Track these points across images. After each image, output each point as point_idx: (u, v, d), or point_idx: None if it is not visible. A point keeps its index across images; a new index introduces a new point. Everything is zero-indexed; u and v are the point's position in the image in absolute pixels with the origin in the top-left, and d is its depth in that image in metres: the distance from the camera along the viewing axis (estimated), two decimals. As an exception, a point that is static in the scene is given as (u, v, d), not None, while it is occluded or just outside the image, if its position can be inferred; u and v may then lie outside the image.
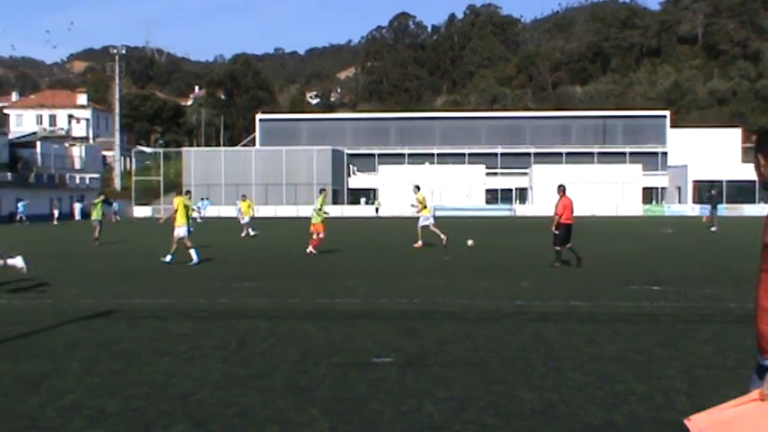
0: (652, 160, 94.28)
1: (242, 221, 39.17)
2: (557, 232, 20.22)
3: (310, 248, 25.10)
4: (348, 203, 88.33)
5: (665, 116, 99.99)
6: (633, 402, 6.98)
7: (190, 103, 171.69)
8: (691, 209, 78.06)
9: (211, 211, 76.38)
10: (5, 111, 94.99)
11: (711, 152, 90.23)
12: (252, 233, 37.31)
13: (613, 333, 10.50)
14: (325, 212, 26.04)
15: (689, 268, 19.87)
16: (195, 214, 68.22)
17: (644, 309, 12.76)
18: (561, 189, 20.83)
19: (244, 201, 40.46)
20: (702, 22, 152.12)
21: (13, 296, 14.94)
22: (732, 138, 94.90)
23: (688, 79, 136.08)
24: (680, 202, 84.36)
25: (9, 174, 73.99)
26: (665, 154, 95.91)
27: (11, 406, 6.99)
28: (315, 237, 25.34)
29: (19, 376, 8.13)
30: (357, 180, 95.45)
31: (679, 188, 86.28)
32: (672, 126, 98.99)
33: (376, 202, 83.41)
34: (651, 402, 6.98)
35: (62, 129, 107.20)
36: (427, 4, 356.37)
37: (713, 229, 41.15)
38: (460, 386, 7.56)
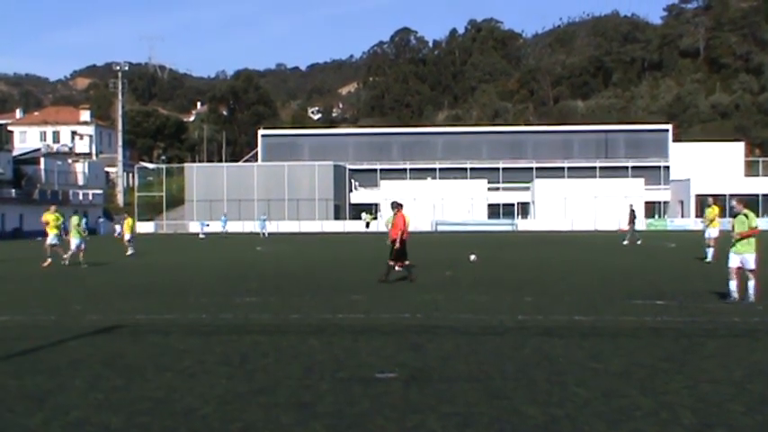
0: (654, 174, 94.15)
1: (125, 239, 37.19)
2: (398, 248, 20.19)
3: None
4: (350, 219, 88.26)
5: (667, 130, 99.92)
6: (638, 418, 6.95)
7: (192, 119, 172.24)
8: (693, 223, 77.90)
9: (214, 227, 76.42)
10: (9, 128, 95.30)
11: (714, 166, 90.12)
12: (129, 252, 35.84)
13: (617, 348, 10.48)
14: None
15: (692, 282, 19.84)
16: (220, 230, 69.16)
17: (647, 323, 12.73)
18: (397, 205, 20.82)
19: (126, 219, 39.37)
20: (704, 36, 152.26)
21: (17, 312, 14.94)
22: (735, 151, 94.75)
23: (690, 93, 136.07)
24: (683, 216, 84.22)
25: (13, 190, 74.17)
26: (667, 168, 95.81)
27: (16, 422, 6.99)
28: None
29: (23, 392, 8.12)
30: (359, 195, 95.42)
31: (682, 202, 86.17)
32: (674, 140, 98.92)
33: (367, 217, 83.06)
34: (656, 418, 6.95)
35: (65, 145, 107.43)
36: (428, 19, 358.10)
37: (625, 242, 41.90)
38: (464, 401, 7.55)
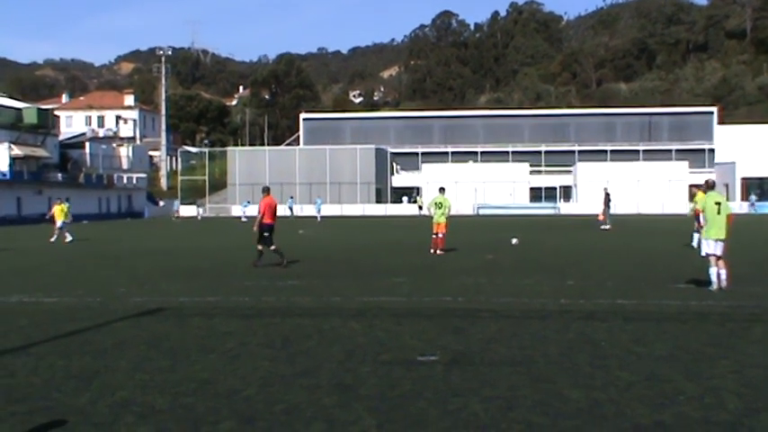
0: (699, 157, 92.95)
1: (57, 225, 35.22)
2: (266, 234, 20.25)
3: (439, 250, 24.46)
4: (392, 202, 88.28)
5: (712, 112, 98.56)
6: (682, 402, 6.90)
7: (234, 102, 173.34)
8: (738, 206, 76.78)
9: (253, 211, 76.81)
10: (56, 112, 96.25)
11: (760, 148, 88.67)
12: (68, 239, 34.17)
13: (661, 332, 10.39)
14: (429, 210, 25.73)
15: (736, 267, 19.55)
16: (287, 213, 69.67)
17: (692, 307, 12.59)
18: (265, 190, 21.05)
19: (58, 204, 35.95)
20: (751, 17, 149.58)
21: (64, 294, 15.18)
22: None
23: (736, 75, 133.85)
24: (728, 199, 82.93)
25: (59, 174, 75.19)
26: (712, 151, 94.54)
27: (63, 402, 7.12)
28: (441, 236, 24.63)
29: (71, 373, 8.27)
30: (400, 179, 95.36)
31: (727, 185, 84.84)
32: (719, 122, 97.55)
33: (419, 200, 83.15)
34: (701, 402, 6.89)
35: (110, 129, 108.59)
36: (470, 2, 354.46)
37: (606, 227, 40.56)
38: (506, 385, 7.54)
